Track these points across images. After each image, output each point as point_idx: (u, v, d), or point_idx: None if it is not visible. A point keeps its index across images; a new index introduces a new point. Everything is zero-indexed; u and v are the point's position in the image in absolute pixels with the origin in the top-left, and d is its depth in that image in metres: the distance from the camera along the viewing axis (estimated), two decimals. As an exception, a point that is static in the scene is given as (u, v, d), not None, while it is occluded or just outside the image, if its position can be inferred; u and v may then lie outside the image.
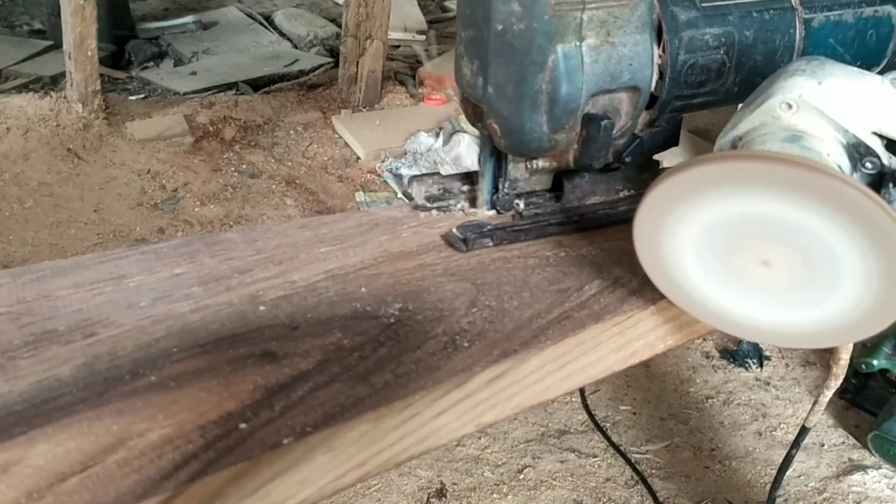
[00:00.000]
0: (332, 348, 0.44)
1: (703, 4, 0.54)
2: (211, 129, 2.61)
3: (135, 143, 2.51)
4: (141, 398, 0.39)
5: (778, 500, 1.50)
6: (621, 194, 0.61)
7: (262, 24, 3.58)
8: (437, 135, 2.58)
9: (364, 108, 2.83)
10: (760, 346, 1.85)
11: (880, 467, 1.58)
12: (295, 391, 0.41)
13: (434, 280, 0.52)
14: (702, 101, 0.56)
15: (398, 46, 3.34)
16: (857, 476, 1.56)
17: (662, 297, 0.48)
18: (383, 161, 2.52)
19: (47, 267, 0.50)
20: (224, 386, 0.41)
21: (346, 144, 2.64)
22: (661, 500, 1.50)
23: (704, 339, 1.89)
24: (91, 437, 0.37)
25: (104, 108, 2.56)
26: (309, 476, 0.39)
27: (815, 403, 0.66)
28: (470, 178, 0.60)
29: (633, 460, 1.57)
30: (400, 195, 2.33)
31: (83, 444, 0.36)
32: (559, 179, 0.59)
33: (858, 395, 1.70)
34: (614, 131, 0.53)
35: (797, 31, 0.57)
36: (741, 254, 0.43)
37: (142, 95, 2.85)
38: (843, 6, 0.59)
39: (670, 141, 0.59)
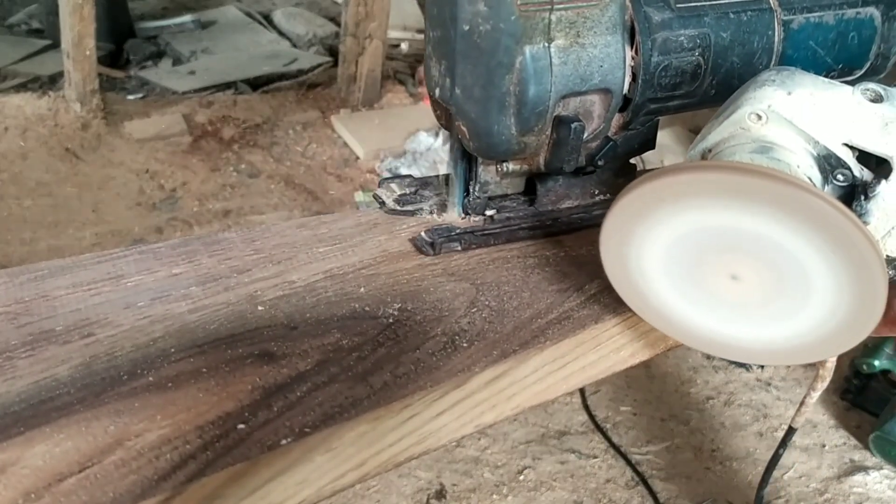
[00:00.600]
0: (331, 349, 0.44)
1: (678, 5, 0.53)
2: (209, 128, 2.61)
3: (133, 142, 2.51)
4: (139, 398, 0.39)
5: (779, 501, 1.50)
6: (597, 198, 0.60)
7: (260, 23, 3.58)
8: (437, 134, 2.58)
9: (363, 107, 2.83)
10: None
11: (882, 468, 1.58)
12: (293, 392, 0.40)
13: (433, 280, 0.51)
14: (677, 103, 0.55)
15: (398, 45, 3.34)
16: (858, 477, 1.56)
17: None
18: (383, 161, 2.52)
19: (45, 267, 0.50)
20: (222, 386, 0.40)
21: (346, 144, 2.64)
22: (661, 501, 1.49)
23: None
24: (89, 437, 0.37)
25: (102, 107, 2.56)
26: (307, 477, 0.39)
27: (801, 405, 0.66)
28: (441, 181, 0.60)
29: (633, 461, 1.57)
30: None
31: (81, 444, 0.36)
32: (533, 183, 0.58)
33: (860, 395, 1.70)
34: (586, 134, 0.52)
35: (776, 33, 0.56)
36: (710, 268, 0.42)
37: (140, 95, 2.85)
38: (823, 8, 0.58)
39: (646, 144, 0.58)
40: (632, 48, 0.51)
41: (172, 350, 0.43)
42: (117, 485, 0.34)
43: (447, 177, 0.58)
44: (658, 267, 0.43)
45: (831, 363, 0.62)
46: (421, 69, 3.02)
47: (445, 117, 0.54)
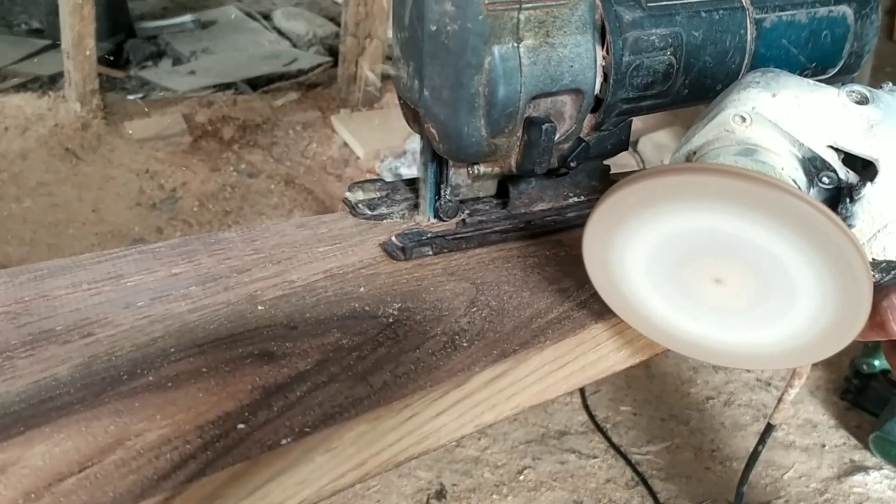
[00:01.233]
0: (331, 348, 0.44)
1: (649, 4, 0.52)
2: (209, 128, 2.61)
3: (133, 142, 2.51)
4: (138, 398, 0.39)
5: (779, 501, 1.50)
6: (570, 200, 0.59)
7: (260, 23, 3.58)
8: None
9: (363, 107, 2.83)
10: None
11: (882, 468, 1.58)
12: (293, 391, 0.40)
13: (433, 280, 0.51)
14: (650, 103, 0.55)
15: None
16: (858, 477, 1.56)
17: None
18: (382, 160, 2.52)
19: (45, 266, 0.50)
20: (222, 386, 0.40)
21: (346, 144, 2.64)
22: (661, 500, 1.49)
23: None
24: (89, 437, 0.37)
25: (102, 107, 2.56)
26: (307, 477, 0.39)
27: (779, 401, 0.65)
28: (413, 184, 0.59)
29: (633, 461, 1.57)
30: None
31: (81, 444, 0.36)
32: (505, 186, 0.57)
33: (860, 395, 1.70)
34: (558, 135, 0.51)
35: (748, 32, 0.55)
36: (693, 272, 0.41)
37: (140, 95, 2.85)
38: (795, 6, 0.57)
39: (619, 145, 0.57)
40: (603, 48, 0.51)
41: (172, 350, 0.43)
42: (117, 484, 0.34)
43: (418, 180, 0.57)
44: (641, 271, 0.43)
45: None
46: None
47: (415, 120, 0.53)
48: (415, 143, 2.66)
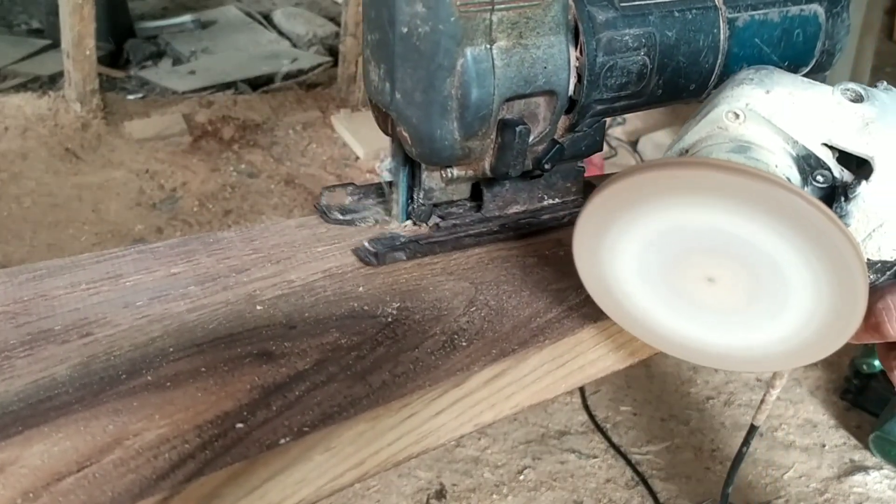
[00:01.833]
0: (330, 348, 0.44)
1: (622, 4, 0.52)
2: (209, 128, 2.61)
3: (133, 142, 2.51)
4: (137, 398, 0.39)
5: (779, 501, 1.50)
6: (545, 202, 0.59)
7: (260, 23, 3.59)
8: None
9: (363, 107, 2.83)
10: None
11: (882, 468, 1.58)
12: (292, 391, 0.40)
13: (432, 279, 0.51)
14: (624, 104, 0.54)
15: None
16: (858, 477, 1.56)
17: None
18: (382, 160, 2.51)
19: (44, 266, 0.50)
20: (221, 385, 0.40)
21: (346, 144, 2.64)
22: (661, 500, 1.49)
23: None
24: (87, 436, 0.37)
25: (102, 107, 2.56)
26: (306, 476, 0.39)
27: (761, 402, 0.65)
28: (386, 188, 0.58)
29: (633, 461, 1.57)
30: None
31: (79, 443, 0.36)
32: (479, 189, 0.57)
33: (860, 395, 1.70)
34: (532, 137, 0.51)
35: (721, 31, 0.55)
36: (685, 270, 0.41)
37: (140, 95, 2.85)
38: (768, 5, 0.57)
39: (593, 146, 0.57)
40: (576, 48, 0.50)
41: (171, 349, 0.43)
42: (116, 484, 0.34)
43: (391, 184, 0.57)
44: (633, 271, 0.42)
45: None
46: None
47: (386, 123, 0.52)
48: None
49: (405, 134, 0.50)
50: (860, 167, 0.43)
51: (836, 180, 0.43)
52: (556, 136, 0.54)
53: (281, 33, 3.50)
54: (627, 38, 0.51)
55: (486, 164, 0.53)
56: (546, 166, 0.55)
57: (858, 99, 0.43)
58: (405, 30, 0.46)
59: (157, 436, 0.37)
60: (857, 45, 2.37)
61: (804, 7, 0.59)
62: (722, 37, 0.55)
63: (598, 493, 1.50)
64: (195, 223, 2.21)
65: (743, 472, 1.56)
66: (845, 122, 0.42)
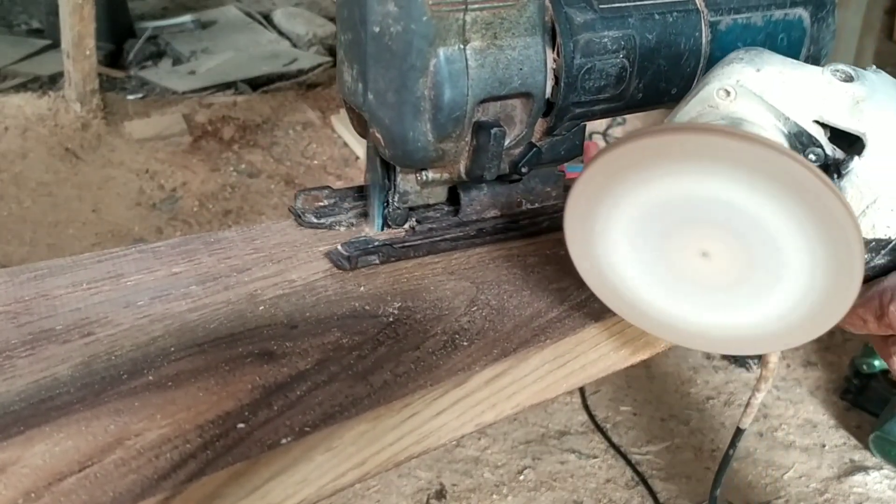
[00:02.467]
0: (331, 347, 0.44)
1: (601, 6, 0.51)
2: (209, 128, 2.61)
3: (133, 142, 2.51)
4: (139, 398, 0.39)
5: (779, 501, 1.50)
6: (524, 207, 0.58)
7: (260, 23, 3.59)
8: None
9: (363, 107, 2.83)
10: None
11: (882, 468, 1.58)
12: (293, 391, 0.40)
13: (433, 279, 0.51)
14: (603, 107, 0.53)
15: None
16: (858, 477, 1.55)
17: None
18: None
19: (45, 266, 0.50)
20: (222, 385, 0.40)
21: (346, 144, 2.64)
22: (661, 500, 1.49)
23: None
24: (89, 436, 0.37)
25: (102, 107, 2.56)
26: (308, 476, 0.39)
27: (747, 405, 0.64)
28: (361, 191, 0.57)
29: (633, 461, 1.57)
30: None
31: (81, 443, 0.36)
32: (456, 192, 0.56)
33: (860, 395, 1.70)
34: (508, 140, 0.50)
35: (703, 35, 0.54)
36: (679, 244, 0.39)
37: (140, 95, 2.85)
38: (751, 9, 0.56)
39: (572, 150, 0.56)
40: (553, 50, 0.49)
41: (172, 349, 0.43)
42: (117, 484, 0.34)
43: (364, 188, 0.56)
44: (626, 248, 0.41)
45: (773, 363, 0.60)
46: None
47: (360, 124, 0.52)
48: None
49: (378, 135, 0.49)
50: (852, 146, 0.43)
51: (828, 158, 0.43)
52: (533, 140, 0.53)
53: (281, 33, 3.50)
54: (606, 40, 0.51)
55: (462, 167, 0.52)
56: (523, 170, 0.54)
57: (848, 79, 0.43)
58: (377, 29, 0.46)
59: (159, 436, 0.37)
60: (857, 45, 2.37)
61: (788, 11, 0.58)
62: (704, 40, 0.54)
63: (598, 493, 1.50)
64: (195, 223, 2.21)
65: (743, 472, 1.56)
66: (836, 100, 0.42)
